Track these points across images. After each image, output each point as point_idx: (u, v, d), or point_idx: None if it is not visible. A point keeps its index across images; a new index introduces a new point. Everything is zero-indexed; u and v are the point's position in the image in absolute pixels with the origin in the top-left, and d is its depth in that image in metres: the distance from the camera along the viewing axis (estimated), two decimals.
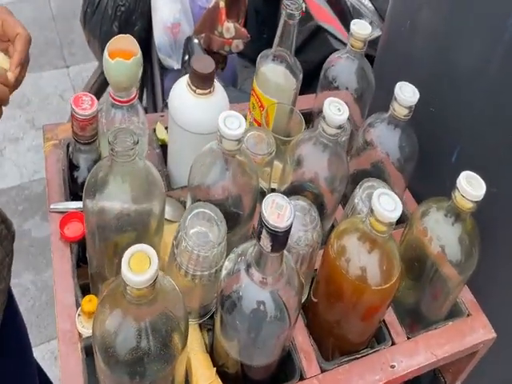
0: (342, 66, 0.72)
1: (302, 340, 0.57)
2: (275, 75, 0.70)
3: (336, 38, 1.46)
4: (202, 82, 0.61)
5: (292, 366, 0.56)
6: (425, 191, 0.67)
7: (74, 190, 0.63)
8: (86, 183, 0.52)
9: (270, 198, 0.44)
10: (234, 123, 0.53)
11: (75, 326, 0.53)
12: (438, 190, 0.61)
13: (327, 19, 1.48)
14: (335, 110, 0.57)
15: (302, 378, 0.55)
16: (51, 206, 0.61)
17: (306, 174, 0.61)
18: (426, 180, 0.73)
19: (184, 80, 0.63)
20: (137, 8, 1.18)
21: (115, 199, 0.51)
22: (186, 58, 1.01)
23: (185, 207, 0.66)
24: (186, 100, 0.63)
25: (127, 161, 0.49)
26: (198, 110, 0.63)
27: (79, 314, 0.53)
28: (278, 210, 0.43)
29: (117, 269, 0.55)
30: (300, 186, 0.63)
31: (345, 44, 1.52)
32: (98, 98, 1.50)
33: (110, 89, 0.57)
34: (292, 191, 0.64)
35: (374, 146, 0.66)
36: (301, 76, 0.71)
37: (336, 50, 1.50)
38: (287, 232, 0.43)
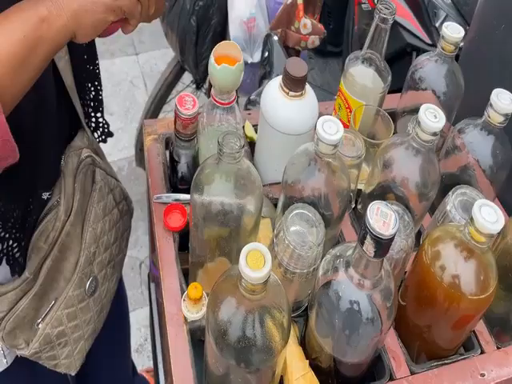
0: (431, 69, 0.72)
1: (391, 341, 0.59)
2: (363, 77, 0.71)
3: (409, 31, 1.43)
4: (295, 84, 0.63)
5: (381, 366, 0.58)
6: None
7: (174, 183, 0.68)
8: (193, 179, 0.56)
9: (374, 206, 0.46)
10: (331, 128, 0.55)
11: (181, 309, 0.58)
12: None
13: (400, 12, 1.45)
14: (431, 116, 0.57)
15: (391, 379, 0.57)
16: (155, 198, 0.66)
17: (395, 178, 0.62)
18: None
19: (276, 82, 0.66)
20: (214, 2, 1.21)
21: (220, 195, 0.55)
22: (266, 54, 1.03)
23: (273, 204, 0.69)
24: (278, 102, 0.65)
25: (233, 162, 0.52)
26: (290, 112, 0.65)
27: (184, 299, 0.58)
28: (383, 218, 0.45)
29: (215, 258, 0.60)
30: (387, 188, 0.64)
31: (418, 38, 1.49)
32: (173, 88, 1.55)
33: (212, 91, 0.61)
34: (378, 193, 0.65)
35: (464, 150, 0.66)
36: (389, 79, 0.72)
37: (409, 43, 1.47)
38: (391, 240, 0.45)
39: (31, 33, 0.45)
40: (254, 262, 0.43)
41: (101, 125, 0.72)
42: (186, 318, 0.58)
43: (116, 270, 0.74)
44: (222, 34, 1.26)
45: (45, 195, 0.61)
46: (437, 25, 1.44)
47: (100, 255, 0.67)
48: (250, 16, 1.15)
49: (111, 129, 0.74)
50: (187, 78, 1.60)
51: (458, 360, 0.59)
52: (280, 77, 0.65)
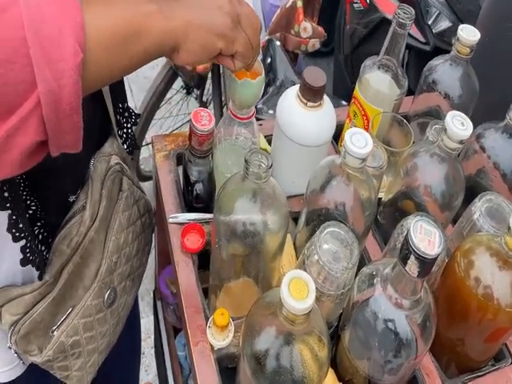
0: (446, 72, 0.71)
1: (424, 357, 0.57)
2: (379, 83, 0.69)
3: None
4: (313, 95, 0.61)
5: (415, 383, 0.57)
6: None
7: (189, 201, 0.65)
8: (217, 198, 0.54)
9: (417, 224, 0.44)
10: (360, 141, 0.53)
11: (206, 338, 0.55)
12: None
13: (393, 10, 1.44)
14: (459, 124, 0.56)
15: None
16: (170, 218, 0.63)
17: (419, 187, 0.61)
18: None
19: (293, 92, 0.64)
20: None
21: (245, 214, 0.52)
22: (269, 61, 1.01)
23: (291, 218, 0.67)
24: (296, 112, 0.63)
25: (260, 181, 0.50)
26: (308, 123, 0.63)
27: (210, 326, 0.55)
28: (427, 237, 0.43)
29: (238, 278, 0.57)
30: (407, 195, 0.62)
31: (411, 36, 1.48)
32: (165, 95, 1.51)
33: (231, 105, 0.58)
34: (398, 200, 0.63)
35: (483, 154, 0.65)
36: (406, 85, 0.70)
37: None
38: (436, 258, 0.43)
39: (137, 19, 0.43)
40: (298, 292, 0.41)
41: (130, 136, 0.70)
42: (212, 346, 0.55)
43: (135, 283, 0.72)
44: None
45: (71, 198, 0.59)
46: (429, 22, 1.44)
47: (121, 266, 0.65)
48: None
49: None
50: (176, 82, 1.57)
51: (491, 371, 0.58)
52: (296, 86, 0.63)
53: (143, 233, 0.70)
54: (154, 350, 1.11)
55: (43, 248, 0.58)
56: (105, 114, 0.63)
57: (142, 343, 1.52)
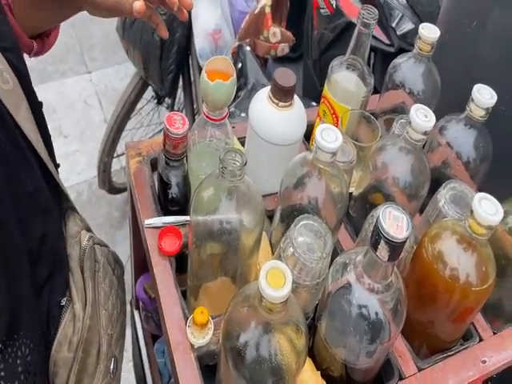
0: (409, 69, 0.74)
1: (397, 340, 0.59)
2: (346, 82, 0.72)
3: None
4: (284, 95, 0.63)
5: (389, 366, 0.59)
6: (494, 192, 0.68)
7: (165, 205, 0.66)
8: (193, 199, 0.55)
9: (386, 210, 0.46)
10: (330, 136, 0.55)
11: (186, 337, 0.56)
12: (509, 191, 0.62)
13: (356, 13, 1.48)
14: (422, 116, 0.58)
15: (401, 378, 0.58)
16: (146, 222, 0.63)
17: (388, 179, 0.63)
18: (496, 180, 0.75)
19: (264, 93, 0.65)
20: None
21: (222, 213, 0.54)
22: (240, 66, 1.02)
23: (267, 215, 0.68)
24: (268, 113, 0.64)
25: (235, 179, 0.51)
26: (280, 123, 0.65)
27: (189, 326, 0.56)
28: (396, 222, 0.45)
29: (216, 278, 0.58)
30: (376, 188, 0.65)
31: (376, 38, 1.52)
32: (135, 105, 1.52)
33: (204, 107, 0.59)
34: (368, 194, 0.66)
35: (446, 146, 0.68)
36: (372, 83, 0.73)
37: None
38: (405, 242, 0.45)
39: None
40: (275, 281, 0.42)
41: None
42: (192, 345, 0.56)
43: (123, 337, 0.67)
44: (187, 47, 1.25)
45: (63, 301, 0.54)
46: (393, 25, 1.48)
47: (115, 333, 0.61)
48: (216, 27, 1.14)
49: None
50: (146, 93, 1.58)
51: (460, 350, 0.61)
52: (267, 88, 0.65)
53: (119, 284, 0.67)
54: (131, 363, 1.10)
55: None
56: (56, 186, 0.57)
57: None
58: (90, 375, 0.57)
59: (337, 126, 0.72)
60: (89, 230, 0.61)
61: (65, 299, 0.54)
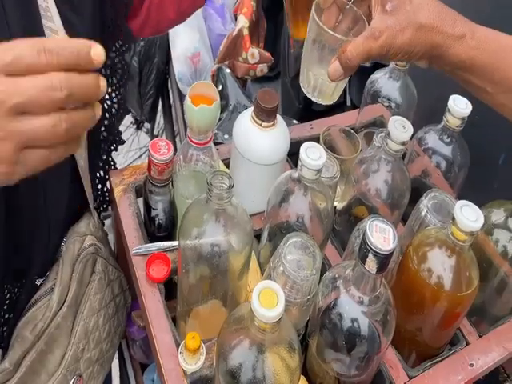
0: (386, 84, 0.76)
1: (387, 350, 0.60)
2: None
3: None
4: (267, 115, 0.64)
5: (381, 377, 0.59)
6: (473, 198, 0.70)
7: (152, 231, 0.65)
8: (181, 223, 0.55)
9: (373, 223, 0.47)
10: (315, 153, 0.56)
11: (178, 364, 0.55)
12: (486, 197, 0.64)
13: None
14: (400, 127, 0.60)
15: None
16: (133, 251, 0.63)
17: (370, 190, 0.64)
18: (473, 187, 0.76)
19: (247, 114, 0.66)
20: (155, 41, 1.21)
21: (210, 236, 0.54)
22: (220, 88, 1.04)
23: (255, 234, 0.68)
24: (252, 134, 0.65)
25: (222, 202, 0.52)
26: (264, 143, 0.65)
27: (181, 352, 0.55)
28: (382, 234, 0.46)
29: (207, 301, 0.58)
30: (359, 201, 0.66)
31: None
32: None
33: (189, 132, 0.60)
34: (351, 207, 0.67)
35: (425, 156, 0.70)
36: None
37: None
38: (392, 254, 0.46)
39: None
40: (268, 301, 0.42)
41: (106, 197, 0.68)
42: (185, 371, 0.55)
43: (104, 367, 0.68)
44: (165, 71, 1.26)
45: (38, 281, 0.56)
46: None
47: (89, 351, 0.62)
48: (195, 51, 1.16)
49: None
50: (125, 119, 1.58)
51: (448, 356, 0.62)
52: (250, 109, 0.66)
53: (116, 314, 0.67)
54: None
55: (4, 329, 0.55)
56: (82, 190, 0.60)
57: None
58: (48, 373, 0.58)
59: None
60: (101, 241, 0.62)
61: (41, 280, 0.56)
